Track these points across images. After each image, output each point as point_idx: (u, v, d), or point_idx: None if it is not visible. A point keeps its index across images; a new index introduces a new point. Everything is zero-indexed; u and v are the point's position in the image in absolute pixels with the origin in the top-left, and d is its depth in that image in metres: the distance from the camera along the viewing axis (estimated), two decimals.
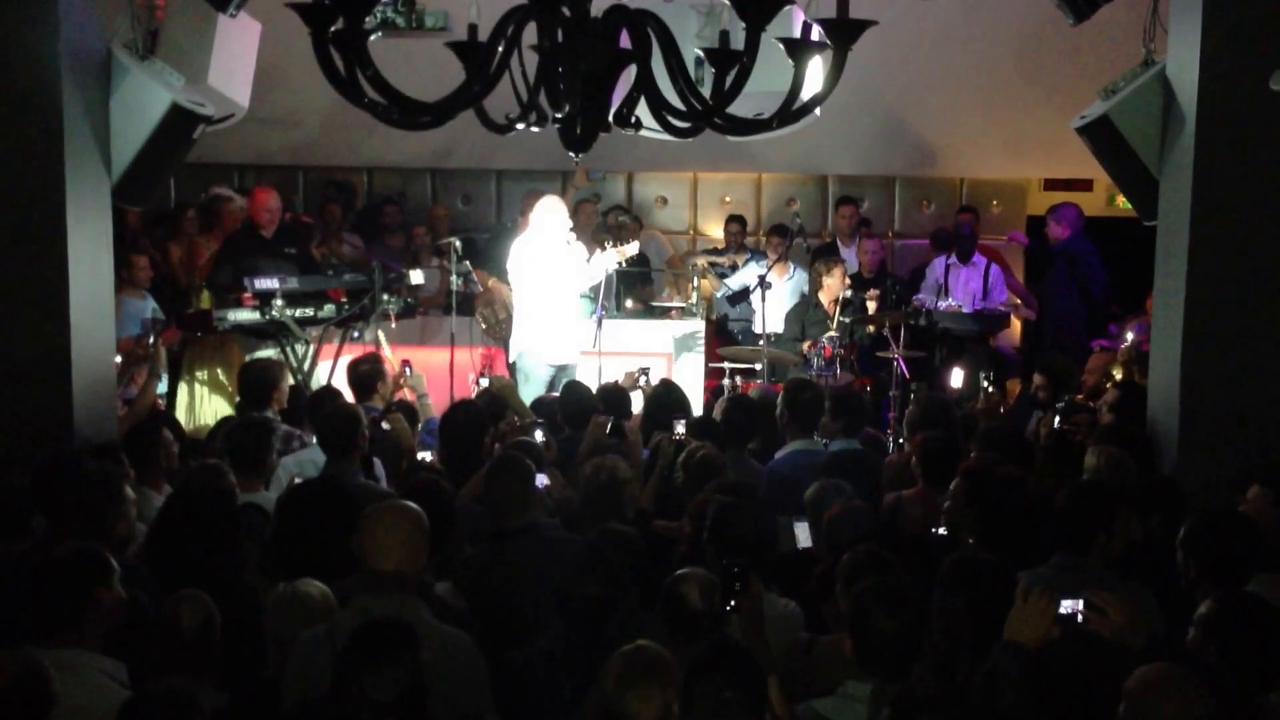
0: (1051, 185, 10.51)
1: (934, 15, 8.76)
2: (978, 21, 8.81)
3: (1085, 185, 10.27)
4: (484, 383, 6.93)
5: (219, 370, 7.88)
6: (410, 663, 3.12)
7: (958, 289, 9.14)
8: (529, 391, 7.67)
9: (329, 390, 6.54)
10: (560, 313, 7.93)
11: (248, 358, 7.36)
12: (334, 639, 3.38)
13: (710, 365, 8.93)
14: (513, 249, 8.07)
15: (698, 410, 7.36)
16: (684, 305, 9.11)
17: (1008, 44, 9.10)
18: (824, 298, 8.62)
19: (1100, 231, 9.41)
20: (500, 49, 3.54)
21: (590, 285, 8.15)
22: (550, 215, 7.93)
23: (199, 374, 7.89)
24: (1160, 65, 5.66)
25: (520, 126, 3.71)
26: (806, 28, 3.53)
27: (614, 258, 8.10)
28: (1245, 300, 5.45)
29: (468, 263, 8.52)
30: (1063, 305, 8.98)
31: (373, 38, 3.45)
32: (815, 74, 3.69)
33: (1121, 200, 9.39)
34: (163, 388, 7.87)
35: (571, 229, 8.08)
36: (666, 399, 6.43)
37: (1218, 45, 5.29)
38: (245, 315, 7.38)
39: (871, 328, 8.48)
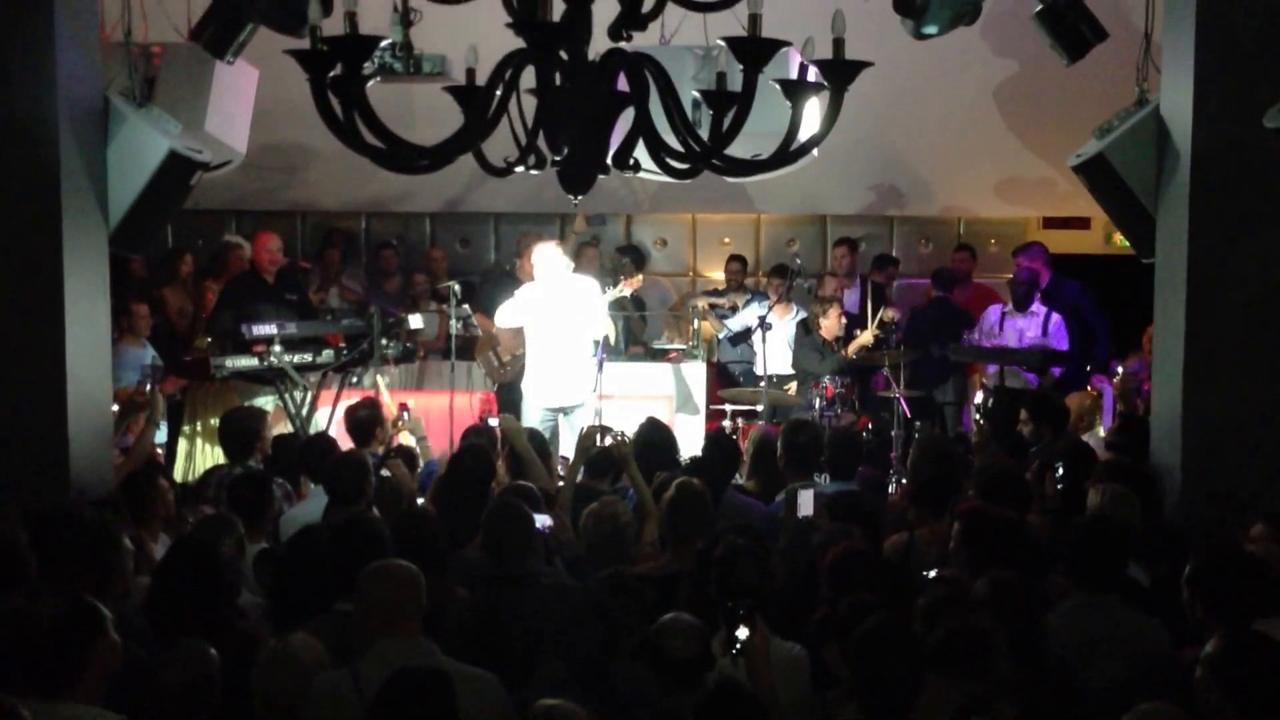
0: (1050, 224, 10.54)
1: (930, 56, 8.80)
2: (973, 62, 8.87)
3: (1083, 223, 10.30)
4: (493, 422, 6.90)
5: (217, 419, 7.84)
6: (449, 708, 3.11)
7: (1014, 340, 8.74)
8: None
9: (324, 438, 6.50)
10: (560, 356, 7.91)
11: (245, 405, 7.34)
12: (359, 686, 3.34)
13: (711, 407, 8.90)
14: (519, 293, 8.09)
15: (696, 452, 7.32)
16: (684, 348, 9.10)
17: (1003, 84, 9.16)
18: (825, 336, 8.63)
19: (1098, 269, 9.42)
20: (498, 93, 3.55)
21: (605, 332, 8.14)
22: (548, 261, 7.95)
23: (198, 423, 7.86)
24: (1154, 104, 5.69)
25: (519, 169, 3.71)
26: (803, 69, 3.53)
27: (624, 289, 8.13)
28: (1245, 335, 5.45)
29: (467, 306, 8.53)
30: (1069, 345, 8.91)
31: (371, 83, 3.47)
32: (812, 114, 3.70)
33: (1119, 239, 9.43)
34: (162, 436, 7.86)
35: (573, 269, 8.08)
36: (653, 438, 6.37)
37: (1210, 83, 5.32)
38: (244, 362, 7.36)
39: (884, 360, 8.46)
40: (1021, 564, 4.32)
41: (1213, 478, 5.45)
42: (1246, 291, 5.41)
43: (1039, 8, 6.15)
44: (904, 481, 6.55)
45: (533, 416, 7.95)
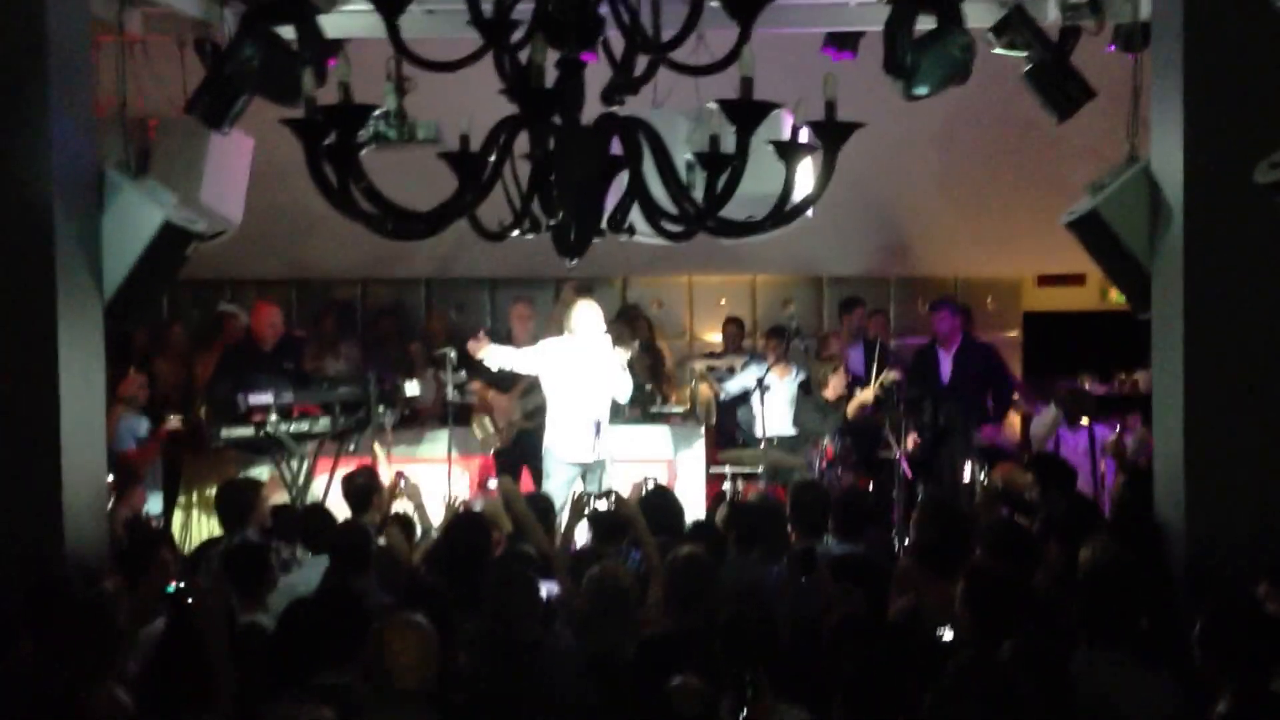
0: (1045, 281, 10.57)
1: (921, 115, 8.89)
2: (965, 121, 8.94)
3: (1078, 280, 10.33)
4: (491, 484, 6.86)
5: (212, 490, 7.79)
6: None
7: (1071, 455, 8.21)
8: (550, 489, 7.69)
9: (319, 509, 6.45)
10: (586, 413, 7.91)
11: (241, 475, 7.30)
12: None
13: (711, 470, 8.86)
14: (543, 345, 8.10)
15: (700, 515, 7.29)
16: (683, 410, 9.07)
17: (995, 142, 9.23)
18: (828, 396, 8.61)
19: (1094, 326, 9.43)
20: (493, 158, 3.56)
21: (627, 396, 8.13)
22: (588, 319, 7.99)
23: (194, 493, 7.82)
24: (1145, 160, 5.72)
25: (514, 234, 3.71)
26: (795, 130, 3.54)
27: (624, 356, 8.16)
28: (1245, 389, 5.42)
29: (464, 373, 8.51)
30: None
31: (365, 151, 3.48)
32: (805, 175, 3.71)
33: (1115, 295, 9.43)
34: (159, 507, 7.81)
35: (607, 333, 8.11)
36: (661, 504, 6.34)
37: (1201, 138, 5.34)
38: (240, 431, 7.33)
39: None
40: (1029, 624, 4.29)
41: (1217, 531, 5.40)
42: (1245, 345, 5.40)
43: (1028, 67, 6.21)
44: (908, 542, 6.49)
45: (556, 472, 7.91)
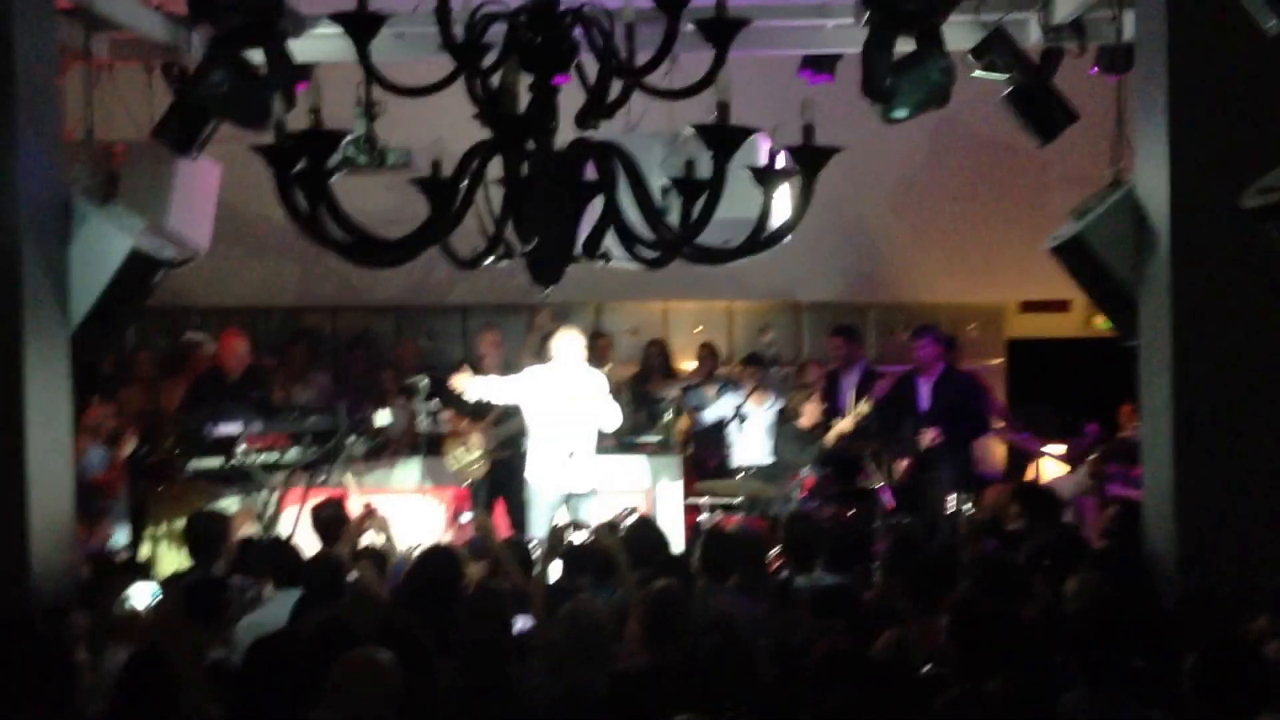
0: (1029, 307, 10.52)
1: (901, 139, 8.85)
2: (946, 146, 8.92)
3: (1062, 306, 10.27)
4: (464, 518, 6.75)
5: (182, 522, 7.63)
6: None
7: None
8: (534, 518, 7.60)
9: (285, 542, 6.31)
10: (569, 443, 7.80)
11: (209, 506, 7.16)
12: None
13: (688, 500, 8.73)
14: (527, 374, 8.00)
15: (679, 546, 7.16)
16: (659, 439, 8.95)
17: (976, 167, 9.20)
18: (804, 425, 8.52)
19: (1076, 353, 9.36)
20: (465, 184, 3.48)
21: (615, 426, 8.03)
22: (569, 348, 7.89)
23: (162, 525, 7.66)
24: (1130, 184, 5.66)
25: (488, 261, 3.63)
26: (772, 155, 3.47)
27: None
28: (1234, 416, 5.36)
29: (436, 402, 8.37)
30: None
31: (335, 177, 3.40)
32: (783, 200, 3.64)
33: (1099, 321, 9.39)
34: (126, 539, 7.65)
35: (589, 361, 8.02)
36: (646, 535, 6.23)
37: (1186, 162, 5.30)
38: (209, 462, 7.20)
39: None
40: (1016, 659, 4.20)
41: (1208, 562, 5.31)
42: (1233, 372, 5.34)
43: (1009, 90, 6.16)
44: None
45: (539, 502, 7.81)
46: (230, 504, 7.35)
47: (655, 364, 9.86)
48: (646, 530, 6.36)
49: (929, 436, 8.42)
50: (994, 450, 9.84)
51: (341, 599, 5.10)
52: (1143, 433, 5.79)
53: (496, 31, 3.48)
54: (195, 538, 6.15)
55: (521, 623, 4.79)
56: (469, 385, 7.96)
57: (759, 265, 7.58)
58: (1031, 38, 6.33)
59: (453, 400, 8.35)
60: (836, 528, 6.08)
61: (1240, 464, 5.34)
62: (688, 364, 10.62)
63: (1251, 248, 5.09)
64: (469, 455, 8.58)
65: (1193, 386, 5.37)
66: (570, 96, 3.57)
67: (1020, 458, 9.70)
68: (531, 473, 7.92)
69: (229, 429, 7.28)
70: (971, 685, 3.99)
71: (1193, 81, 5.26)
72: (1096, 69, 6.33)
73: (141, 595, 5.05)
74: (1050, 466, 9.21)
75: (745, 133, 3.33)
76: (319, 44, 6.38)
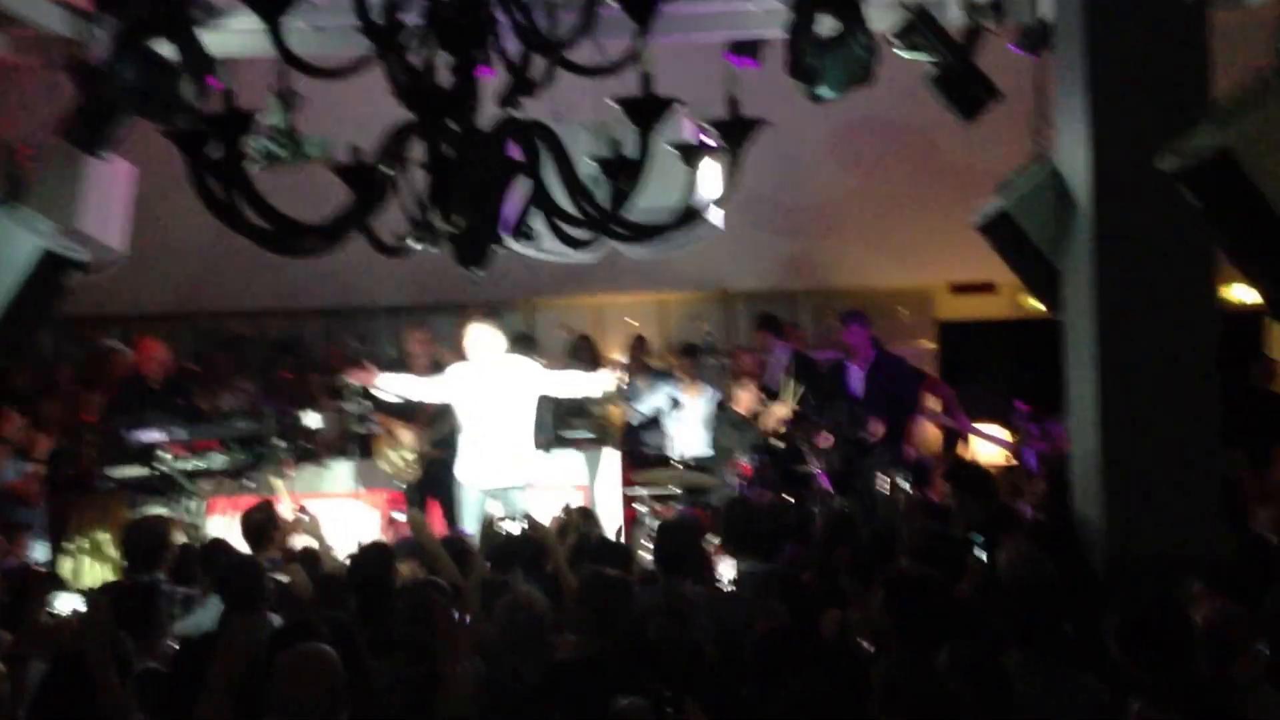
0: (958, 289, 10.62)
1: (825, 124, 8.89)
2: (869, 129, 8.97)
3: (990, 288, 10.39)
4: (398, 517, 6.64)
5: (104, 533, 7.44)
6: None
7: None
8: (467, 514, 7.54)
9: (220, 543, 6.17)
10: (494, 438, 7.71)
11: (148, 513, 6.98)
12: None
13: (625, 492, 8.69)
14: (450, 372, 7.89)
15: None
16: (593, 435, 8.89)
17: (901, 149, 9.27)
18: (741, 412, 8.52)
19: (1005, 334, 9.46)
20: (387, 168, 3.39)
21: (602, 384, 7.90)
22: (481, 341, 7.78)
23: (84, 538, 7.45)
24: (1052, 158, 5.71)
25: (413, 246, 3.54)
26: (699, 133, 3.44)
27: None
28: (1158, 386, 5.42)
29: (367, 403, 8.24)
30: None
31: (254, 169, 3.29)
32: (712, 184, 3.61)
33: (1027, 301, 9.49)
34: (46, 553, 7.44)
35: (508, 349, 7.92)
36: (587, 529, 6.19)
37: (1105, 134, 5.36)
38: (131, 471, 7.02)
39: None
40: (954, 630, 4.22)
41: (1135, 529, 5.38)
42: (1156, 341, 5.40)
43: (932, 70, 6.18)
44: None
45: (468, 500, 7.72)
46: (154, 513, 7.17)
47: (582, 359, 9.79)
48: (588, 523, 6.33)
49: (878, 430, 8.45)
50: (927, 432, 9.91)
51: (265, 603, 4.98)
52: (1069, 404, 5.84)
53: (415, 13, 3.40)
54: (135, 545, 5.96)
55: (459, 617, 4.70)
56: (381, 382, 7.83)
57: (690, 257, 7.64)
58: (952, 17, 6.37)
59: (383, 402, 8.23)
60: (773, 512, 6.06)
61: (1164, 431, 5.41)
62: (618, 357, 10.58)
63: (1171, 218, 5.16)
64: (401, 456, 8.46)
65: (1116, 356, 5.43)
66: (493, 81, 3.51)
67: (954, 438, 9.78)
68: (462, 470, 7.85)
69: (152, 437, 7.12)
70: (910, 657, 4.00)
71: (1110, 55, 5.33)
72: (1016, 47, 6.37)
73: (65, 605, 4.90)
74: (983, 446, 9.30)
75: (667, 103, 3.29)
76: (230, 38, 6.23)
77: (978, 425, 9.28)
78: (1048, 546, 5.02)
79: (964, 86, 6.04)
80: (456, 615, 4.61)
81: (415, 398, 7.97)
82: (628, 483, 8.68)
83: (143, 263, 7.89)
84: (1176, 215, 4.92)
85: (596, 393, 8.00)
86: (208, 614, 5.28)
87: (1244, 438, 7.10)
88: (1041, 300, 5.95)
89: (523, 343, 9.72)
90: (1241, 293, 9.56)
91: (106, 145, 5.80)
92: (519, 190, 3.58)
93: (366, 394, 8.10)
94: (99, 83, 5.69)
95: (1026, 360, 9.00)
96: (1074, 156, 5.53)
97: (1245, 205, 3.80)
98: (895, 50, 6.20)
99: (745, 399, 8.55)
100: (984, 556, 5.31)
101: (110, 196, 6.24)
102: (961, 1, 6.26)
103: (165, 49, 5.69)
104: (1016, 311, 10.34)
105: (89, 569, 7.40)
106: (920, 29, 5.99)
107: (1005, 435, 8.91)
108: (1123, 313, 5.43)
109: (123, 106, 5.65)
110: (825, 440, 8.36)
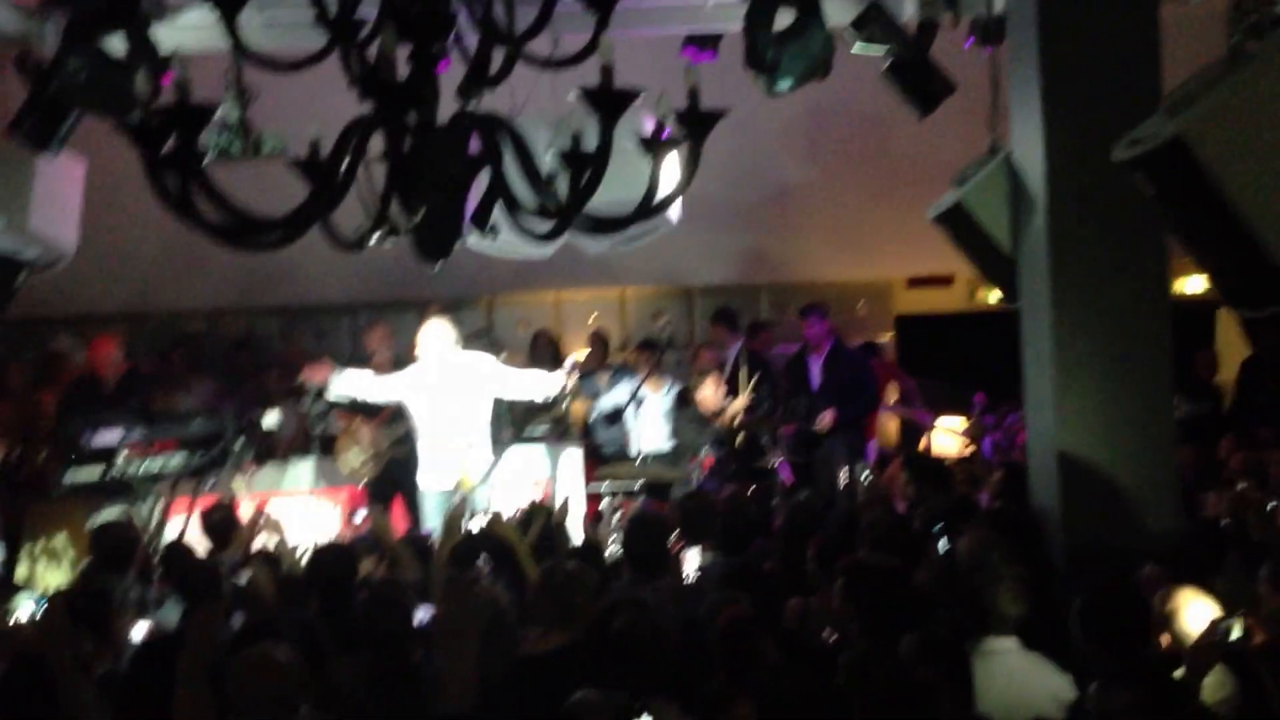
0: (915, 283, 10.70)
1: (782, 119, 8.92)
2: (826, 123, 9.01)
3: (947, 281, 10.48)
4: (359, 517, 6.60)
5: (60, 538, 7.35)
6: None
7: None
8: (429, 512, 7.51)
9: (180, 544, 6.12)
10: (450, 438, 7.66)
11: (91, 520, 6.89)
12: None
13: (588, 487, 8.68)
14: (404, 373, 7.82)
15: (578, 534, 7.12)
16: (556, 429, 8.88)
17: (858, 142, 9.32)
18: (706, 409, 8.55)
19: (962, 327, 9.54)
20: (345, 162, 3.37)
21: (547, 390, 7.82)
22: (434, 338, 7.70)
23: (40, 542, 7.35)
24: (1006, 150, 5.76)
25: (373, 240, 3.52)
26: (659, 127, 3.44)
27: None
28: (1114, 376, 5.48)
29: (327, 401, 8.18)
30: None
31: (208, 159, 3.25)
32: (672, 177, 3.62)
33: (983, 294, 9.59)
34: (2, 557, 7.34)
35: (458, 343, 7.83)
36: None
37: (1059, 126, 5.40)
38: (86, 474, 6.92)
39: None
40: (910, 615, 4.26)
41: (1091, 518, 5.44)
42: (1112, 331, 5.46)
43: (888, 64, 6.23)
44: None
45: (427, 501, 7.68)
46: (112, 516, 7.08)
47: (543, 355, 9.79)
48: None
49: (826, 420, 8.50)
50: (886, 425, 9.98)
51: (222, 603, 4.94)
52: (1026, 395, 5.90)
53: (371, 6, 3.38)
54: (106, 549, 5.89)
55: (423, 613, 4.70)
56: (334, 381, 7.74)
57: (650, 252, 7.64)
58: (907, 11, 6.41)
59: (343, 400, 8.16)
60: (732, 504, 6.08)
61: (1120, 421, 5.46)
62: (580, 353, 10.58)
63: (1125, 208, 5.23)
64: (362, 454, 8.41)
65: (1072, 347, 5.48)
66: (453, 77, 3.50)
67: (912, 431, 9.86)
68: (423, 468, 7.81)
69: (107, 438, 7.01)
70: (871, 644, 4.03)
71: (1062, 48, 5.37)
72: (971, 41, 6.44)
73: (24, 607, 4.84)
74: (941, 438, 9.38)
75: (630, 95, 3.29)
76: (183, 34, 6.17)
77: (936, 416, 9.36)
78: (1006, 535, 5.07)
79: (920, 80, 6.09)
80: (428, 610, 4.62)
81: (370, 398, 7.90)
82: (590, 478, 8.68)
83: (95, 261, 7.81)
84: (1130, 206, 5.01)
85: (545, 396, 7.90)
86: (168, 615, 5.25)
87: (1191, 428, 7.25)
88: (1002, 291, 6.00)
89: (479, 339, 9.71)
90: (1194, 284, 9.72)
91: (57, 142, 5.71)
92: (479, 183, 3.57)
93: (323, 392, 8.03)
94: (48, 78, 5.61)
95: (983, 352, 9.08)
96: (1028, 148, 5.58)
97: (1197, 194, 3.87)
98: (851, 44, 6.24)
99: (708, 394, 8.57)
100: (943, 546, 5.36)
101: (61, 195, 6.16)
102: None
103: (117, 44, 5.64)
104: (973, 304, 10.45)
105: (46, 572, 7.30)
106: (875, 22, 6.04)
107: (963, 426, 9.00)
108: (1077, 303, 5.48)
109: (72, 102, 5.58)
110: (788, 432, 8.41)
